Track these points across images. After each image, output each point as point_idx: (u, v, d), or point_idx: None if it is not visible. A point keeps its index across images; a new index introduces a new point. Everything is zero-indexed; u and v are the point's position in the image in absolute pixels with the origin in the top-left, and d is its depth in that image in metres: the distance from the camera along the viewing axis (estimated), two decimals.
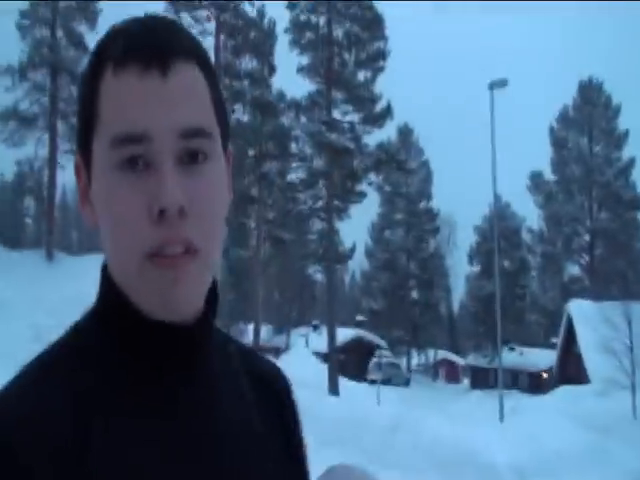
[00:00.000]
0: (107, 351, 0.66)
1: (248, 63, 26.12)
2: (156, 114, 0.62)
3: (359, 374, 38.66)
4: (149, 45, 0.63)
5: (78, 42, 22.98)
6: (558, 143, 46.80)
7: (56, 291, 17.30)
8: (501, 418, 15.11)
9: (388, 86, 26.86)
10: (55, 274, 19.39)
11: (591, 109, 45.03)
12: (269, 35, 27.36)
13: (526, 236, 49.96)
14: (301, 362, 23.05)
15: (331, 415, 11.35)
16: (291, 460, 0.78)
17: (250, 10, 26.38)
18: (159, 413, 0.65)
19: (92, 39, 23.55)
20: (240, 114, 26.67)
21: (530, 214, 50.46)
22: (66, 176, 25.07)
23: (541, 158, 49.16)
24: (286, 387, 0.84)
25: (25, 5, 22.38)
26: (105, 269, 0.70)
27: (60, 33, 22.74)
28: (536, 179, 48.72)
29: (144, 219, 0.62)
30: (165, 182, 0.61)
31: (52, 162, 22.59)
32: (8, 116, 22.07)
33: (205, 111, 0.66)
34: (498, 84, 17.16)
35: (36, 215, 52.35)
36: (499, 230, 18.96)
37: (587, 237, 45.09)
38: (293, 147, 26.04)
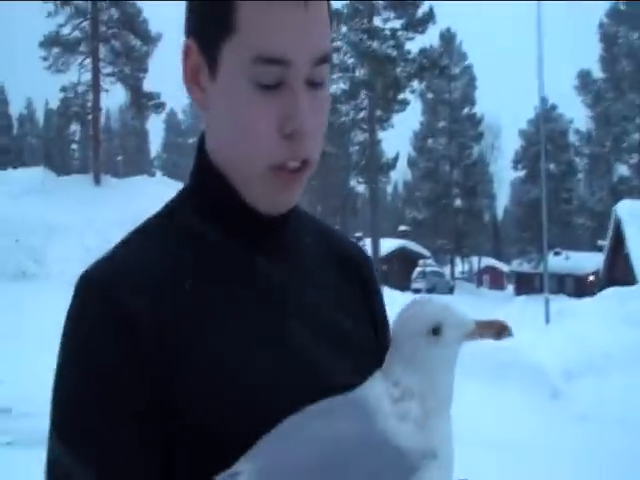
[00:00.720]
0: (201, 225, 0.75)
1: None
2: (298, 42, 0.68)
3: (403, 284, 39.14)
4: None
5: None
6: (608, 39, 44.83)
7: (105, 213, 17.54)
8: (547, 321, 15.29)
9: None
10: (103, 197, 19.62)
11: None
12: None
13: (573, 138, 48.62)
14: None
15: None
16: (373, 328, 0.86)
17: None
18: (241, 282, 0.74)
19: None
20: None
21: (578, 115, 48.90)
22: (109, 100, 25.26)
23: (589, 56, 47.08)
24: (366, 262, 0.92)
25: None
26: (204, 152, 0.78)
27: None
28: (584, 78, 46.93)
29: (274, 134, 0.69)
30: (301, 106, 0.68)
31: (95, 87, 22.68)
32: (51, 42, 22.11)
33: (329, 39, 0.73)
34: None
35: (82, 140, 53.06)
36: (545, 133, 18.56)
37: (637, 136, 43.67)
38: (334, 57, 25.61)
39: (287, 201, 0.75)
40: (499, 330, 0.65)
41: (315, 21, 0.69)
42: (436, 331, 0.63)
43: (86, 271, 0.71)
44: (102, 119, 28.65)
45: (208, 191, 0.77)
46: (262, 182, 0.72)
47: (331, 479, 0.59)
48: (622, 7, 44.59)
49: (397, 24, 24.74)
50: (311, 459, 0.59)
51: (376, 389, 0.63)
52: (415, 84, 25.40)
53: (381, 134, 28.45)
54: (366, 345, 0.81)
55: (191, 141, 64.72)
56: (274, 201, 0.74)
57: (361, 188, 40.67)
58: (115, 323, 0.66)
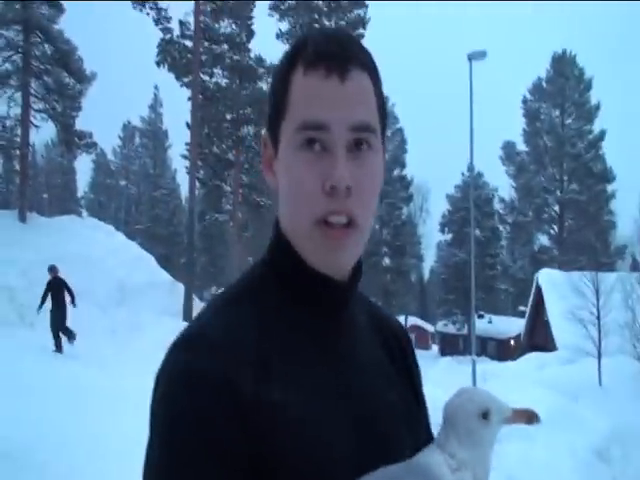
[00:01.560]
0: (276, 296, 0.84)
1: (227, 27, 25.69)
2: (334, 110, 0.78)
3: None
4: (333, 54, 0.80)
5: (52, 0, 22.30)
6: (531, 114, 47.14)
7: (30, 252, 17.03)
8: (474, 383, 15.51)
9: None
10: (28, 235, 19.02)
11: (564, 82, 45.31)
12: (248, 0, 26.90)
13: (498, 206, 50.60)
14: None
15: None
16: (415, 398, 0.96)
17: None
18: (316, 352, 0.82)
19: None
20: (219, 78, 26.31)
21: (502, 184, 51.09)
22: (36, 135, 24.49)
23: (514, 129, 49.56)
24: (407, 338, 1.02)
25: None
26: (277, 225, 0.87)
27: None
28: (508, 149, 49.16)
29: (318, 191, 0.78)
30: (337, 164, 0.78)
31: (25, 121, 22.06)
32: None
33: (371, 111, 0.82)
34: (477, 56, 17.10)
35: (6, 174, 51.23)
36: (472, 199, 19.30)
37: (557, 208, 45.84)
38: None
39: (338, 261, 0.82)
40: (530, 417, 0.78)
41: (351, 93, 0.80)
42: (485, 415, 0.76)
43: (189, 333, 0.77)
44: (29, 155, 27.69)
45: (280, 262, 0.85)
46: (312, 240, 0.80)
47: None
48: (544, 85, 47.30)
49: None
50: None
51: (436, 459, 0.75)
52: None
53: None
54: (415, 418, 0.92)
55: (123, 183, 63.62)
56: (325, 260, 0.82)
57: None
58: (225, 393, 0.72)
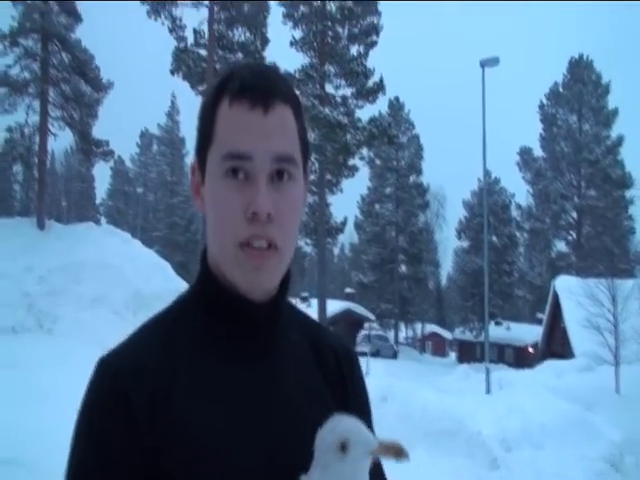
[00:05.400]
0: (198, 320, 0.89)
1: (241, 35, 25.88)
2: (257, 141, 0.83)
3: None
4: (257, 88, 0.85)
5: (70, 9, 22.63)
6: (547, 120, 46.83)
7: (48, 260, 17.20)
8: (488, 391, 15.41)
9: (380, 61, 26.76)
10: (47, 243, 19.20)
11: (581, 87, 44.99)
12: (262, 7, 27.09)
13: (515, 212, 50.27)
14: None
15: None
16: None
17: None
18: (229, 369, 0.86)
19: (84, 7, 23.23)
20: None
21: (519, 190, 50.87)
22: (55, 143, 24.83)
23: (531, 135, 49.32)
24: (349, 358, 1.03)
25: None
26: (204, 254, 0.93)
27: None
28: (525, 155, 48.84)
29: (240, 217, 0.83)
30: (259, 193, 0.82)
31: (43, 129, 22.34)
32: None
33: (293, 143, 0.88)
34: (489, 62, 17.08)
35: (25, 182, 51.88)
36: (488, 205, 19.15)
37: (575, 214, 45.44)
38: None
39: (259, 280, 0.86)
40: (398, 452, 0.73)
41: (274, 125, 0.85)
42: (344, 447, 0.73)
43: (102, 357, 0.85)
44: (47, 162, 28.04)
45: (206, 289, 0.90)
46: (236, 262, 0.85)
47: None
48: (561, 89, 46.96)
49: (348, 92, 25.46)
50: None
51: None
52: (364, 151, 25.93)
53: (330, 198, 28.78)
54: None
55: (139, 190, 64.11)
56: (249, 281, 0.86)
57: (308, 249, 40.86)
58: (118, 408, 0.79)
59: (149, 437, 0.78)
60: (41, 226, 21.00)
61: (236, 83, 0.86)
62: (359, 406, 0.99)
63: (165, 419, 0.79)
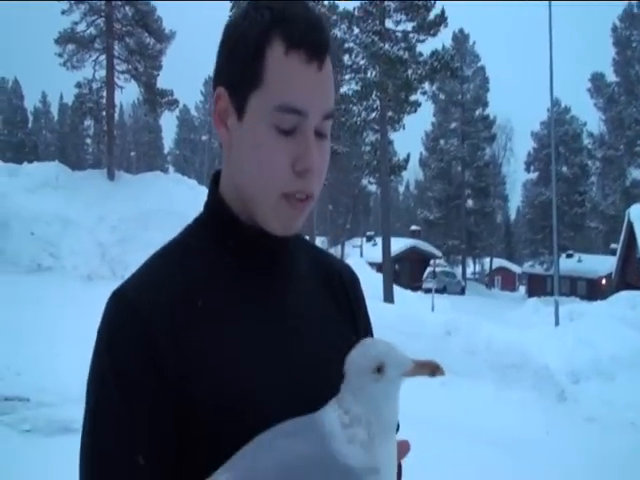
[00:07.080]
0: (212, 249, 0.91)
1: None
2: (313, 98, 0.84)
3: (414, 283, 39.08)
4: (316, 42, 0.84)
5: None
6: (621, 43, 44.51)
7: (118, 209, 17.60)
8: (556, 323, 15.33)
9: None
10: (116, 193, 19.65)
11: None
12: None
13: (586, 141, 48.38)
14: (356, 271, 23.37)
15: (385, 322, 11.61)
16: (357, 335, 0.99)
17: None
18: (244, 300, 0.88)
19: None
20: None
21: (591, 118, 48.73)
22: (122, 96, 25.40)
23: (603, 59, 46.86)
24: (352, 280, 1.08)
25: None
26: (215, 180, 0.95)
27: None
28: (597, 81, 46.68)
29: (288, 170, 0.84)
30: (311, 150, 0.84)
31: (110, 83, 22.87)
32: (66, 39, 22.29)
33: (334, 99, 0.89)
34: None
35: (95, 135, 53.44)
36: (558, 135, 18.51)
37: None
38: (346, 59, 25.60)
39: (296, 226, 0.90)
40: (433, 369, 0.74)
41: (326, 82, 0.86)
42: (379, 369, 0.74)
43: (117, 291, 0.85)
44: (115, 115, 28.82)
45: (219, 220, 0.92)
46: (275, 209, 0.87)
47: None
48: (636, 10, 44.24)
49: (409, 26, 24.75)
50: (275, 476, 0.70)
51: (331, 415, 0.75)
52: (426, 86, 25.34)
53: (393, 135, 28.45)
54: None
55: (204, 138, 65.03)
56: (285, 225, 0.88)
57: (373, 187, 40.74)
58: (141, 342, 0.80)
59: (174, 368, 0.79)
60: (111, 177, 21.68)
61: (293, 30, 0.83)
62: (365, 325, 1.05)
63: (188, 349, 0.80)
